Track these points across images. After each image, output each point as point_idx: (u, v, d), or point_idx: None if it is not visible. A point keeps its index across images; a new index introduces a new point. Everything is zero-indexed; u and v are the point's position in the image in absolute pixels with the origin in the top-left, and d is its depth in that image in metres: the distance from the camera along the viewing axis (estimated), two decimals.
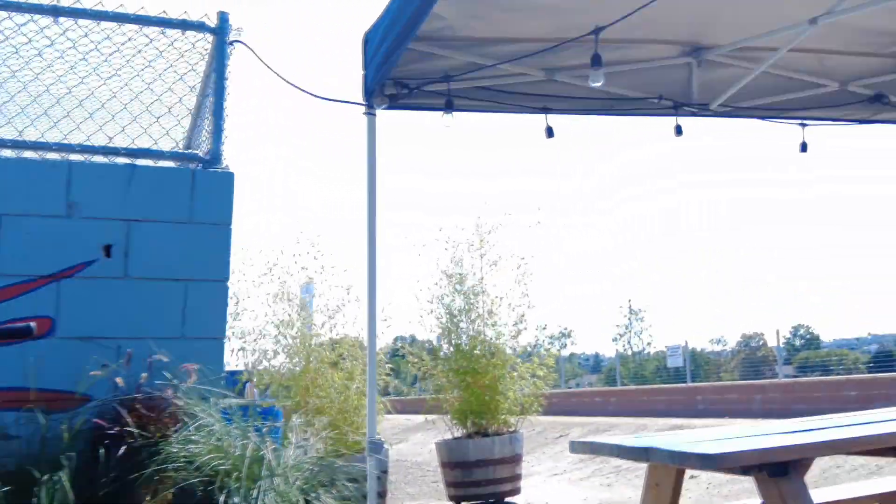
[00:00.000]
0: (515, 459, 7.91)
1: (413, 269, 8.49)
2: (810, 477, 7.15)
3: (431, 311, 8.40)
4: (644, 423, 10.88)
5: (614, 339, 72.63)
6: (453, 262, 8.45)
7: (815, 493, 3.93)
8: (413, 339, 9.34)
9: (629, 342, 72.81)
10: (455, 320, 8.29)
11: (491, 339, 8.21)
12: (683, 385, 19.03)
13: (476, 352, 8.11)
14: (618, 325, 72.48)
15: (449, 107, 4.38)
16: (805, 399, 15.64)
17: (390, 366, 8.29)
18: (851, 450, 2.50)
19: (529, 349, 8.61)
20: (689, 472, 4.11)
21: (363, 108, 4.27)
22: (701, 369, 33.71)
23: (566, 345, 77.01)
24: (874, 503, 3.99)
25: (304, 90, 4.41)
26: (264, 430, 3.76)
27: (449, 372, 8.15)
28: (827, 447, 2.46)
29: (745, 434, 2.88)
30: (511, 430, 8.14)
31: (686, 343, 19.18)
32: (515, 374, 8.30)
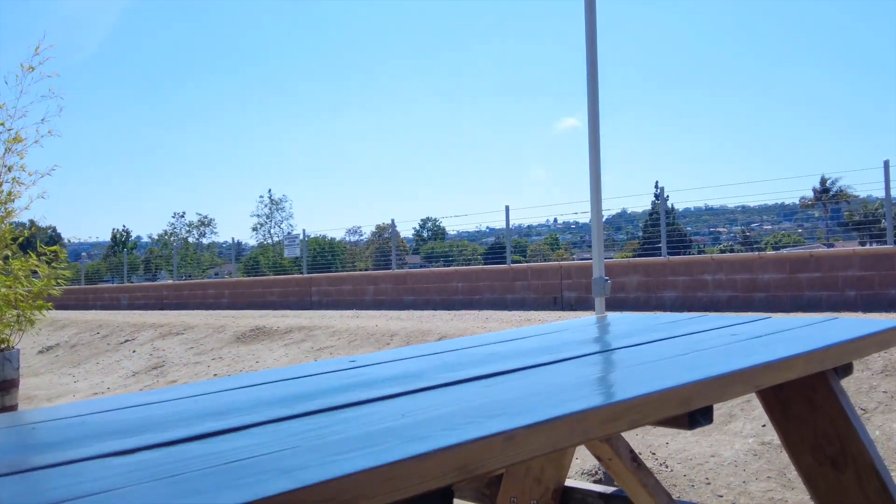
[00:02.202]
0: (4, 387, 5.63)
1: None
2: None
3: None
4: (223, 325, 9.14)
5: (254, 229, 70.97)
6: None
7: None
8: None
9: (270, 231, 71.64)
10: None
11: None
12: (300, 276, 17.78)
13: None
14: (258, 216, 70.81)
15: None
16: (415, 290, 15.24)
17: None
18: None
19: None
20: None
21: None
22: (337, 258, 33.41)
23: (205, 233, 73.65)
24: None
25: None
26: None
27: None
28: None
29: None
30: (3, 346, 5.80)
31: (304, 232, 17.78)
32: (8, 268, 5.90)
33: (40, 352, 10.17)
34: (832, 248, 11.82)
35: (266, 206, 69.74)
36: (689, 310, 10.86)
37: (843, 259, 9.66)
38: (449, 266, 21.61)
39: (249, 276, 33.61)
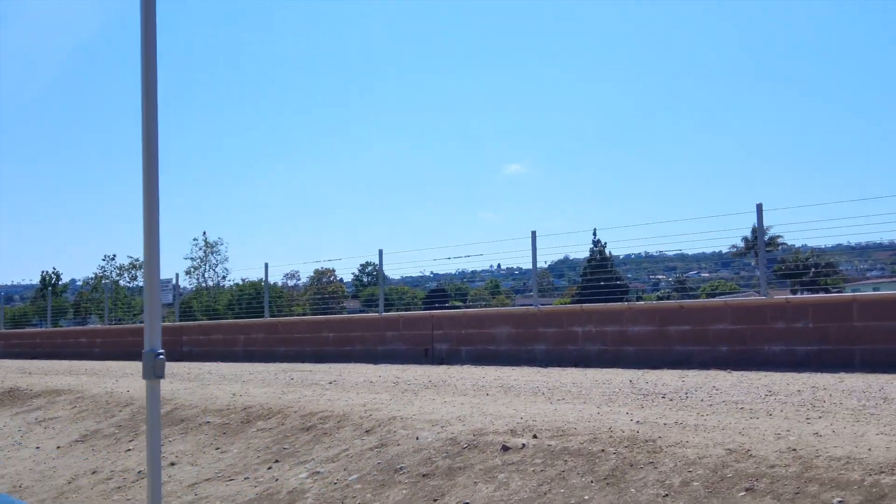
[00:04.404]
0: None
1: None
2: None
3: None
4: None
5: (188, 272, 68.50)
6: None
7: None
8: None
9: (204, 275, 69.03)
10: None
11: None
12: (169, 325, 16.35)
13: None
14: (192, 258, 68.42)
15: None
16: (288, 340, 13.92)
17: None
18: None
19: None
20: None
21: None
22: (274, 303, 32.04)
23: (136, 276, 70.81)
24: None
25: None
26: None
27: None
28: None
29: None
30: None
31: (175, 278, 16.42)
32: None
33: None
34: (702, 300, 10.84)
35: (201, 248, 67.45)
36: (559, 365, 9.72)
37: (713, 311, 8.63)
38: (388, 312, 20.29)
39: (183, 321, 31.92)
